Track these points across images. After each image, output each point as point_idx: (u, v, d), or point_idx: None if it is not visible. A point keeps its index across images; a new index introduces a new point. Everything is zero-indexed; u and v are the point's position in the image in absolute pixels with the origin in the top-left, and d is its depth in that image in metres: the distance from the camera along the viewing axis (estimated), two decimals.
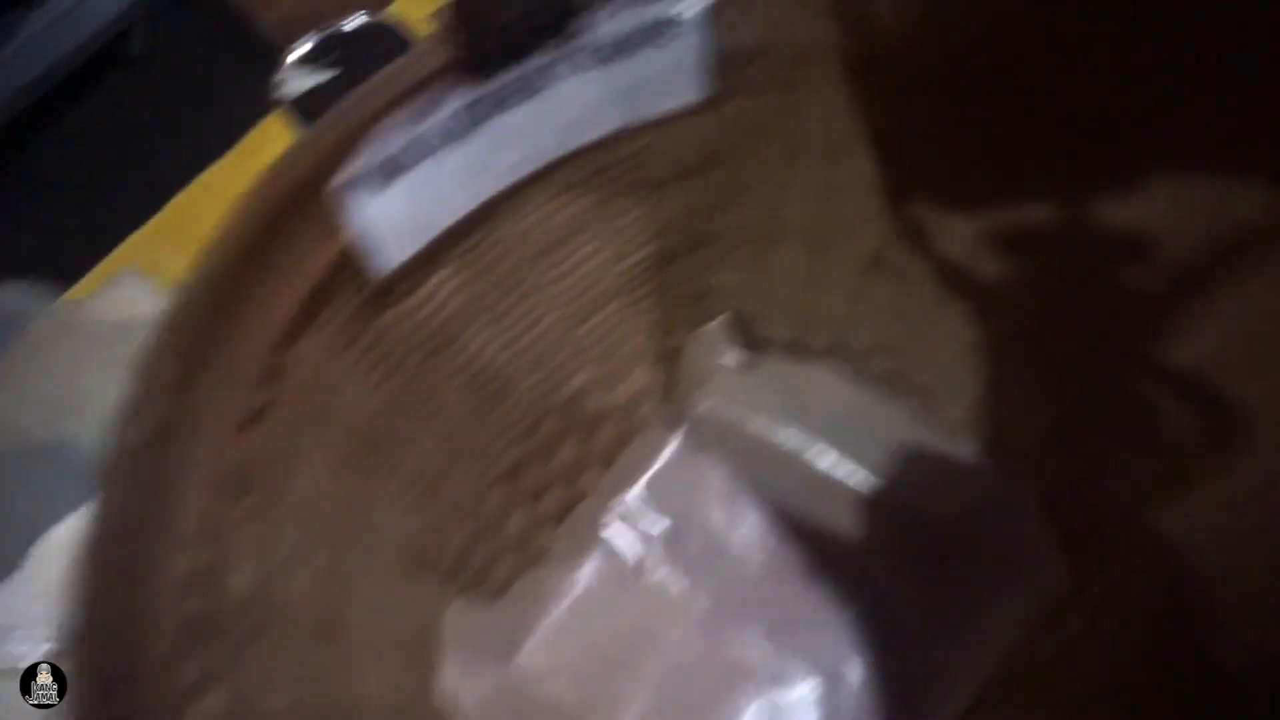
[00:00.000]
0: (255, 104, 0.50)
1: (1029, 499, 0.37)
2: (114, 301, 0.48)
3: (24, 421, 0.43)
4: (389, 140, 0.25)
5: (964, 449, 0.38)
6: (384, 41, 0.44)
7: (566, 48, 0.26)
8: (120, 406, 0.21)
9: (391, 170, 0.25)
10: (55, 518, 0.40)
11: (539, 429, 0.38)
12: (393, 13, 0.57)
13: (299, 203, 0.24)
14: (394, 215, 0.26)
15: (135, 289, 0.49)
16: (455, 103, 0.25)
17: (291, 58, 0.44)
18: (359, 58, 0.44)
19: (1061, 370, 0.33)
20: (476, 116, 0.26)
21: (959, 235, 0.32)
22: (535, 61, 0.26)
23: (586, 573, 0.41)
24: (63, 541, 0.39)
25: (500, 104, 0.26)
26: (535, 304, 0.34)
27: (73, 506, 0.41)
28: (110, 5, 1.31)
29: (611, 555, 0.41)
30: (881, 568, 0.39)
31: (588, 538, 0.41)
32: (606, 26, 0.26)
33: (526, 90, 0.27)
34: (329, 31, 0.44)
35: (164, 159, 0.81)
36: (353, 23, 0.44)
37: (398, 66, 0.25)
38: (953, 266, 0.33)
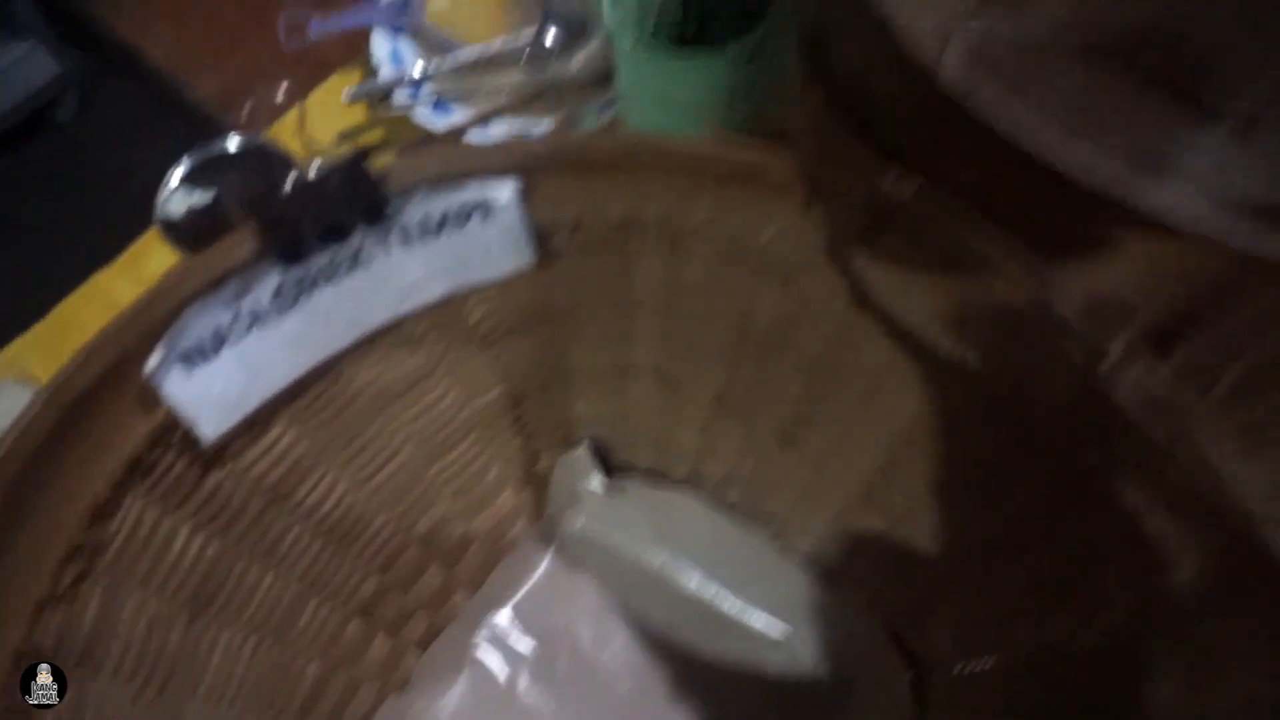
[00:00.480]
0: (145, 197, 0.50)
1: (875, 627, 0.38)
2: None
3: None
4: (204, 320, 0.25)
5: (815, 576, 0.39)
6: (262, 162, 0.45)
7: (384, 228, 0.27)
8: None
9: (209, 347, 0.26)
10: None
11: (398, 560, 0.38)
12: (289, 121, 0.58)
13: (108, 385, 0.25)
14: (214, 388, 0.27)
15: (15, 400, 0.49)
16: (273, 282, 0.26)
17: (175, 178, 0.45)
18: (236, 179, 0.45)
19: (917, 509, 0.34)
20: (296, 293, 0.27)
21: (793, 380, 0.34)
22: (355, 241, 0.27)
23: (455, 695, 0.41)
24: None
25: (328, 277, 0.27)
26: (384, 447, 0.34)
27: None
28: (41, 72, 1.31)
29: (481, 677, 0.41)
30: (740, 690, 0.40)
31: (455, 661, 0.41)
32: (423, 207, 0.27)
33: (352, 263, 0.28)
34: (207, 154, 0.45)
35: (61, 255, 0.81)
36: (231, 143, 0.45)
37: (214, 251, 0.25)
38: (789, 410, 0.35)
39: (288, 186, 0.25)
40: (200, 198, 0.44)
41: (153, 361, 0.25)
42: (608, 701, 0.41)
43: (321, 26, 0.58)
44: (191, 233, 0.43)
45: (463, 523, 0.40)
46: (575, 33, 0.56)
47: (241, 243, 0.25)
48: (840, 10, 0.28)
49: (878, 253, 0.26)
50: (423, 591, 0.40)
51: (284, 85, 0.63)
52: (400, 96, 0.53)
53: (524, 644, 0.42)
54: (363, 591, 0.37)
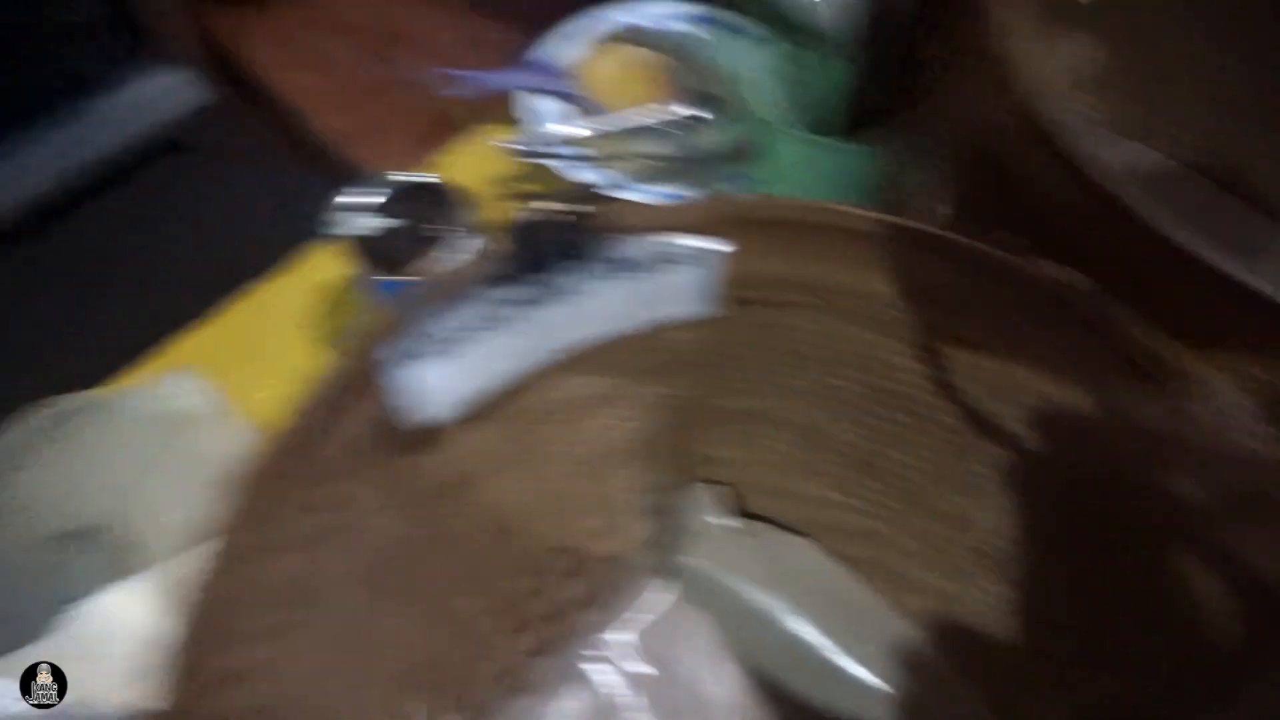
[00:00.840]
0: (302, 215, 0.54)
1: (976, 691, 0.40)
2: (163, 396, 0.52)
3: (64, 506, 0.47)
4: (437, 322, 0.30)
5: (925, 636, 0.42)
6: (436, 197, 0.50)
7: (594, 264, 0.31)
8: (206, 533, 0.26)
9: (437, 346, 0.30)
10: (83, 595, 0.43)
11: (541, 567, 0.41)
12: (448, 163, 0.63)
13: (355, 374, 0.29)
14: (435, 383, 0.31)
15: (186, 386, 0.53)
16: (498, 298, 0.30)
17: (353, 201, 0.49)
18: (422, 209, 0.49)
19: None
20: (516, 310, 0.31)
21: (926, 443, 0.37)
22: (570, 273, 0.31)
23: (567, 706, 0.43)
24: (89, 617, 0.42)
25: (539, 301, 0.31)
26: (552, 460, 0.38)
27: (99, 586, 0.43)
28: (189, 99, 1.41)
29: (594, 693, 0.44)
30: None
31: (573, 673, 0.44)
32: (628, 250, 0.31)
33: (563, 292, 0.32)
34: (398, 182, 0.50)
35: (212, 260, 0.88)
36: (417, 178, 0.50)
37: (455, 268, 0.30)
38: (918, 470, 0.37)
39: (534, 218, 0.29)
40: (392, 221, 0.49)
41: (388, 351, 0.29)
42: None
43: (482, 82, 0.64)
44: (387, 250, 0.48)
45: (600, 542, 0.43)
46: (712, 110, 0.61)
47: (486, 261, 0.29)
48: (1003, 116, 0.32)
49: (1023, 334, 0.30)
50: (557, 600, 0.43)
51: (413, 131, 0.69)
52: (548, 151, 0.59)
53: (638, 668, 0.44)
54: (508, 590, 0.40)
